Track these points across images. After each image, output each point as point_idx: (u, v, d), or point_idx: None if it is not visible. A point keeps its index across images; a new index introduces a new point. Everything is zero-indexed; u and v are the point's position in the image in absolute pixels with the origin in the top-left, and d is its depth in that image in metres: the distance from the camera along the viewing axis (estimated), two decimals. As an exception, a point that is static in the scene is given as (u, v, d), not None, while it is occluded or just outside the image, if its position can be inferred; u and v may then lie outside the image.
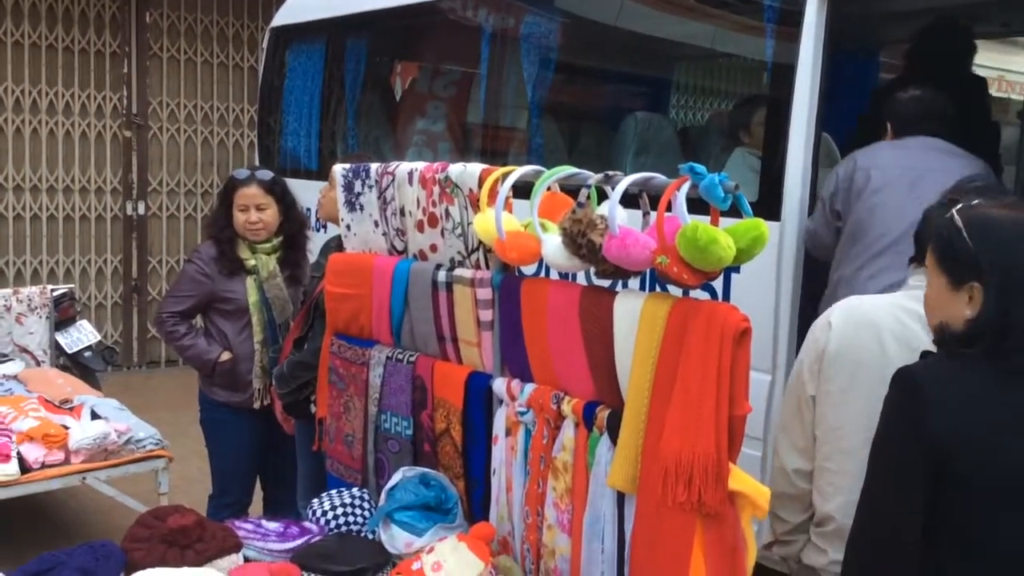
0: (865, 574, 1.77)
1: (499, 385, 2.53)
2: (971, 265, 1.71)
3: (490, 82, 5.05)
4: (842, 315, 2.26)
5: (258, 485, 4.03)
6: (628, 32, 4.56)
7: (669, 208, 2.10)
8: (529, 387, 2.45)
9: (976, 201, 1.81)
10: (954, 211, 1.78)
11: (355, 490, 2.83)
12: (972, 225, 1.74)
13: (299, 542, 2.57)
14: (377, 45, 5.97)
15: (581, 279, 2.47)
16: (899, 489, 1.70)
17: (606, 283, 2.42)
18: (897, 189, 3.23)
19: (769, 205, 3.54)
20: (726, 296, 3.63)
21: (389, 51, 6.11)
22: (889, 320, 2.19)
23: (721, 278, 3.62)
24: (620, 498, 2.24)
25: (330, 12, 6.01)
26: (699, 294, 3.56)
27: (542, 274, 3.02)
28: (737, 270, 3.55)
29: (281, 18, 6.66)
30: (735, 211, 2.11)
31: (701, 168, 2.07)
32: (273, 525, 2.66)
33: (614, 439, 2.22)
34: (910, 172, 3.24)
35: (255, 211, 3.74)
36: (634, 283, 3.17)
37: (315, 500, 2.80)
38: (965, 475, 1.65)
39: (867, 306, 2.27)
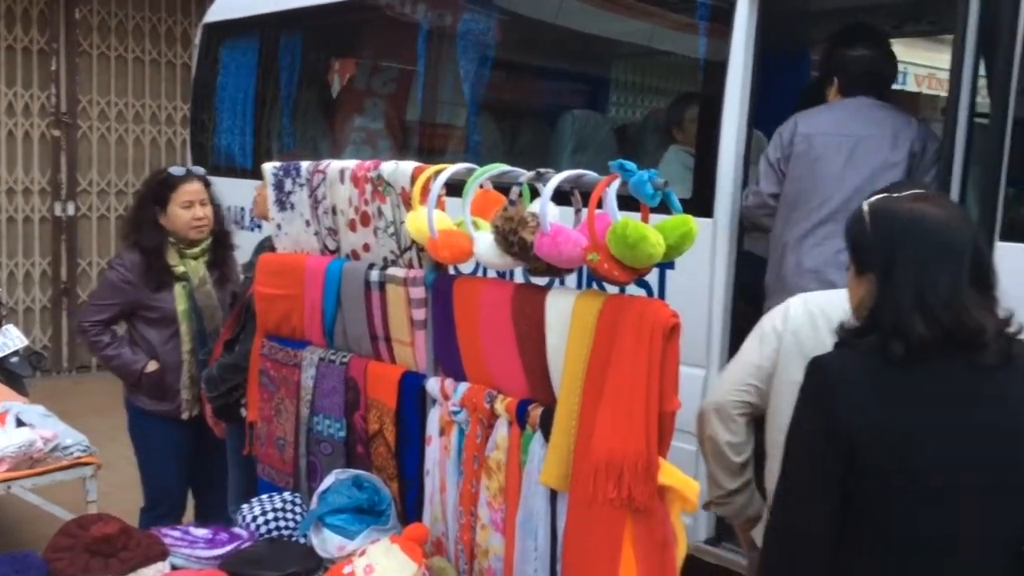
0: (780, 562, 1.78)
1: (432, 385, 2.51)
2: (870, 254, 1.75)
3: (427, 79, 5.02)
4: (798, 310, 2.24)
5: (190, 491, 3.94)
6: (565, 29, 4.57)
7: (600, 205, 2.09)
8: (463, 386, 2.43)
9: (885, 195, 1.84)
10: (865, 201, 1.80)
11: (286, 494, 2.79)
12: (874, 215, 1.77)
13: (228, 548, 2.52)
14: (313, 41, 5.89)
15: (519, 277, 2.46)
16: (811, 479, 1.72)
17: (544, 281, 2.41)
18: (836, 157, 3.29)
19: (702, 202, 3.57)
20: (661, 292, 3.65)
21: (325, 47, 6.03)
22: (840, 314, 2.20)
23: (656, 274, 3.65)
24: (553, 496, 2.23)
25: (264, 8, 5.91)
26: (635, 291, 3.61)
27: (480, 273, 3.01)
28: (672, 266, 3.57)
29: (214, 14, 6.54)
30: (666, 208, 2.12)
31: (631, 165, 2.07)
32: (201, 532, 2.60)
33: (547, 437, 2.22)
34: (848, 139, 3.30)
35: (199, 207, 3.64)
36: (571, 281, 3.18)
37: (245, 505, 2.75)
38: (880, 467, 1.67)
39: (823, 300, 2.25)
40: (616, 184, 2.08)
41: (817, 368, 1.76)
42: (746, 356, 2.30)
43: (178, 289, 3.64)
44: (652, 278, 3.65)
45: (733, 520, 2.45)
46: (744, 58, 3.48)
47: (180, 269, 3.65)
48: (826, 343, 2.03)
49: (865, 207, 1.79)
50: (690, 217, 2.07)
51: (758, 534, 2.39)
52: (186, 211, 3.62)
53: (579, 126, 4.37)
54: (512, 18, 4.73)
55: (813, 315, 2.20)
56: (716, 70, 3.58)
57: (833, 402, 1.70)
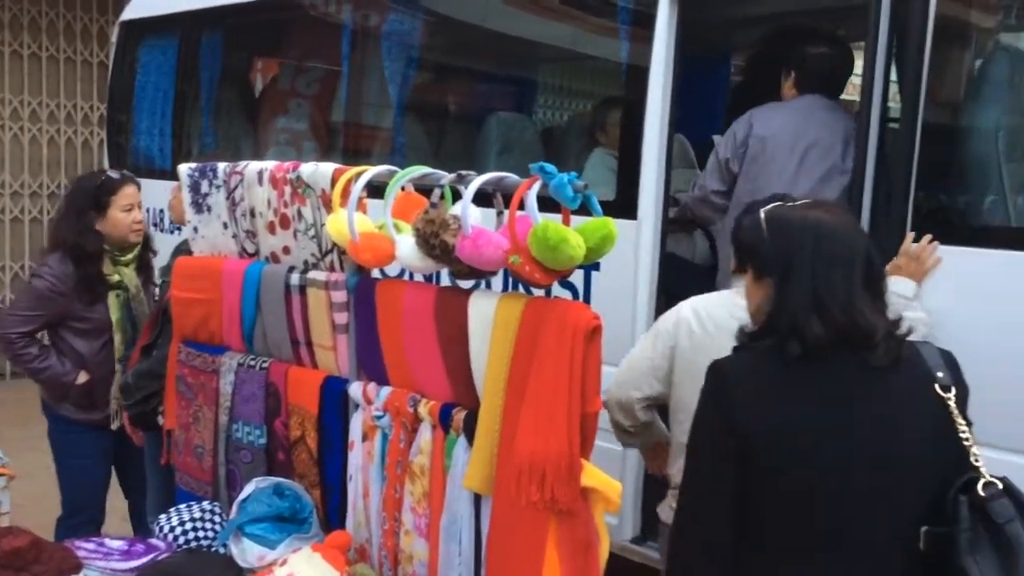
0: (686, 554, 1.81)
1: (355, 389, 2.48)
2: (768, 260, 1.80)
3: (352, 80, 4.97)
4: (687, 312, 2.52)
5: (121, 497, 3.84)
6: (491, 32, 4.57)
7: (522, 207, 2.09)
8: (386, 390, 2.41)
9: (780, 203, 1.90)
10: (761, 210, 1.85)
11: (205, 504, 2.73)
12: (771, 223, 1.82)
13: (145, 560, 2.45)
14: (234, 40, 5.79)
15: (446, 280, 2.45)
16: (713, 476, 1.75)
17: (471, 284, 2.40)
18: (788, 162, 3.36)
19: (626, 204, 3.60)
20: (587, 293, 3.67)
21: (248, 47, 5.93)
22: (721, 312, 2.41)
23: (581, 276, 3.68)
24: (477, 500, 2.22)
25: (184, 5, 5.78)
26: (562, 292, 3.63)
27: (406, 276, 2.98)
28: (597, 268, 3.60)
29: (132, 12, 6.37)
30: (587, 210, 2.13)
31: (551, 168, 2.07)
32: (117, 543, 2.53)
33: (471, 440, 2.21)
34: (800, 142, 3.37)
35: (137, 210, 3.56)
36: (498, 284, 3.18)
37: (162, 516, 2.68)
38: (778, 466, 1.71)
39: (705, 301, 2.51)
40: (537, 187, 2.08)
41: (716, 370, 1.80)
42: (643, 354, 2.59)
43: (112, 298, 3.54)
44: (578, 280, 3.68)
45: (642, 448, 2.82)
46: (665, 63, 3.52)
47: (115, 278, 3.56)
48: (713, 339, 2.31)
49: (761, 215, 1.84)
50: (610, 220, 2.09)
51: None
52: (127, 215, 3.54)
53: (504, 128, 4.38)
54: (438, 20, 4.71)
55: (700, 315, 2.48)
56: (638, 74, 3.61)
57: (731, 403, 1.73)
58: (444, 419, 2.27)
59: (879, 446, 1.70)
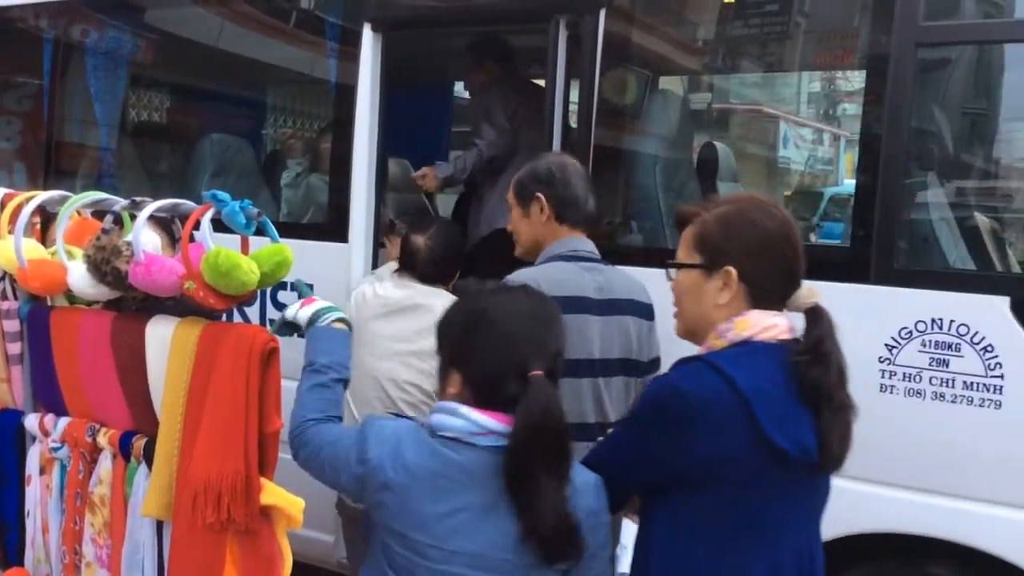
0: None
1: (31, 421, 2.40)
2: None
3: (58, 98, 4.72)
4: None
5: None
6: (204, 49, 4.50)
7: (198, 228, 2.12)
8: (63, 421, 2.35)
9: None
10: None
11: None
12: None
13: None
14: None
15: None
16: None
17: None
18: None
19: (337, 227, 3.69)
20: (300, 315, 3.70)
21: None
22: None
23: (294, 297, 3.70)
24: (159, 527, 2.22)
25: None
26: (275, 315, 3.65)
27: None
28: (311, 287, 3.66)
29: None
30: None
31: (224, 195, 2.12)
32: None
33: (151, 468, 2.20)
34: None
35: None
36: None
37: None
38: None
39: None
40: (210, 213, 2.13)
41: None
42: None
43: None
44: (291, 300, 3.71)
45: None
46: (371, 90, 3.63)
47: None
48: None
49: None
50: (286, 245, 2.17)
51: None
52: None
53: (218, 150, 4.33)
54: (148, 36, 4.58)
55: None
56: (347, 100, 3.70)
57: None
58: (124, 447, 2.26)
59: None
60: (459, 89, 6.33)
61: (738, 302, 1.75)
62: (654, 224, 3.20)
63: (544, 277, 2.36)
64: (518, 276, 2.35)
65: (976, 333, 2.59)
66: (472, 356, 1.78)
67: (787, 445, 1.64)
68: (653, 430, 1.73)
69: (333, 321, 2.09)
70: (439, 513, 1.71)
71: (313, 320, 2.09)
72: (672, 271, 1.86)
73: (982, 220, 3.04)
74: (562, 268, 2.49)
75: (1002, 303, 2.58)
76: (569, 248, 2.52)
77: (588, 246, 2.58)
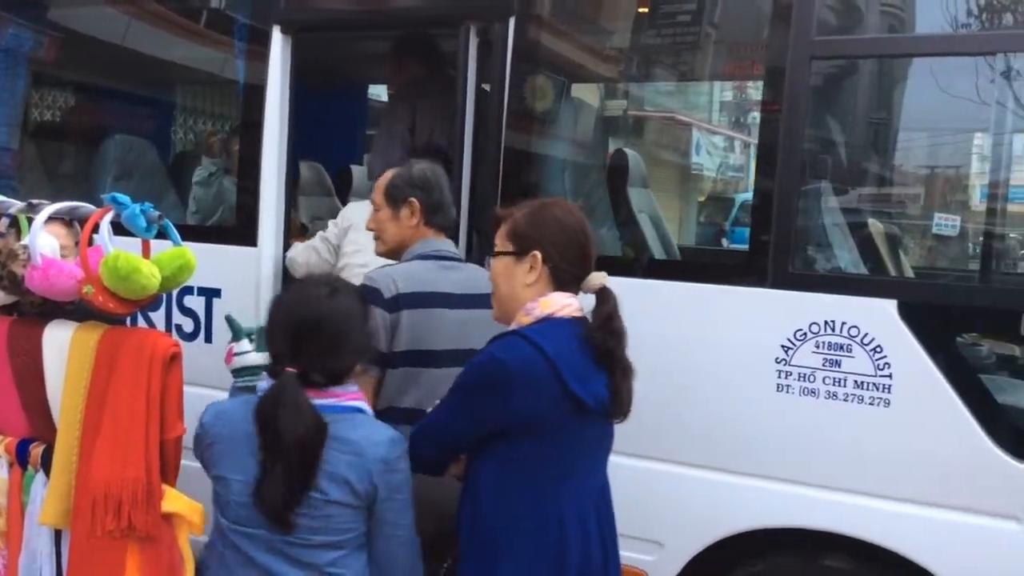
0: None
1: (-78, 431, 2.32)
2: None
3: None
4: None
5: None
6: (109, 48, 4.38)
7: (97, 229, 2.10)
8: (-43, 430, 2.28)
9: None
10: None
11: None
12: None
13: None
14: None
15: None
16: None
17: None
18: None
19: (246, 231, 3.64)
20: (207, 320, 3.65)
21: None
22: None
23: (202, 302, 3.66)
24: (58, 535, 2.18)
25: None
26: (183, 320, 3.61)
27: None
28: (219, 294, 3.61)
29: None
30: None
31: (124, 198, 2.11)
32: None
33: (50, 475, 2.16)
34: None
35: None
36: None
37: None
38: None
39: None
40: (110, 216, 2.10)
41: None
42: None
43: None
44: (198, 306, 3.66)
45: None
46: (281, 93, 3.59)
47: None
48: None
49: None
50: (188, 249, 2.16)
51: None
52: None
53: (122, 152, 4.23)
54: (50, 34, 4.45)
55: None
56: (255, 101, 3.64)
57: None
58: (21, 455, 2.21)
59: None
60: (374, 92, 6.33)
61: (542, 284, 2.10)
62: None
63: (401, 274, 2.55)
64: (377, 273, 2.53)
65: (866, 335, 2.70)
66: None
67: (588, 398, 2.01)
68: (479, 394, 2.04)
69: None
70: None
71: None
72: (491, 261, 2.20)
73: (873, 226, 3.17)
74: (420, 266, 2.63)
75: (890, 306, 2.69)
76: (432, 248, 2.68)
77: (449, 247, 2.75)
